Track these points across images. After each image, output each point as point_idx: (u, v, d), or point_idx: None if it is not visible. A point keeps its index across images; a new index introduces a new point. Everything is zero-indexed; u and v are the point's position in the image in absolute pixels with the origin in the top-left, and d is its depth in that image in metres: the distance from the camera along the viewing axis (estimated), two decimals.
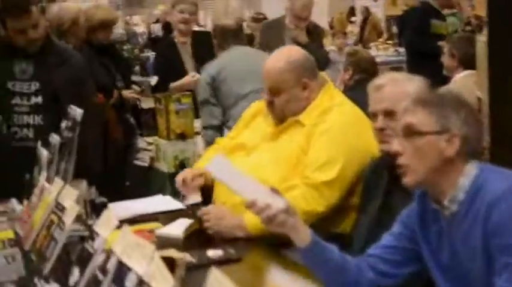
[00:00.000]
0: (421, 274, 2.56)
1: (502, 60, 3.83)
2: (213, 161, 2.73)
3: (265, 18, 10.95)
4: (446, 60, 5.64)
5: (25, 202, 3.52)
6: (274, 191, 2.52)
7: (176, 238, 3.18)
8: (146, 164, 5.22)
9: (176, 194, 4.46)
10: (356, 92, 3.74)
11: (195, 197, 3.45)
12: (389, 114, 2.94)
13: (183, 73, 6.21)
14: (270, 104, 3.51)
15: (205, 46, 6.04)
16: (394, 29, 15.30)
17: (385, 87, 2.97)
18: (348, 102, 3.55)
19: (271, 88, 3.49)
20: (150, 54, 18.23)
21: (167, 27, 19.76)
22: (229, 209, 3.33)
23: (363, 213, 3.13)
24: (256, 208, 2.47)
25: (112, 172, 5.01)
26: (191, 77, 6.04)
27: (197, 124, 5.12)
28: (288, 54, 3.53)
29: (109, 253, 2.20)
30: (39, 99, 4.32)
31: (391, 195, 3.00)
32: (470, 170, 2.37)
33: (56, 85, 4.33)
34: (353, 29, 19.07)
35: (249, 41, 7.27)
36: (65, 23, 5.45)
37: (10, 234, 3.15)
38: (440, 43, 7.84)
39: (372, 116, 3.03)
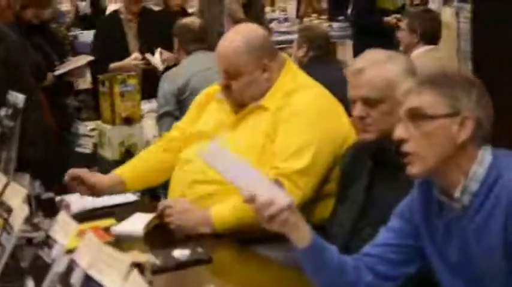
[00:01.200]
0: (424, 274, 2.29)
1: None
2: (208, 148, 2.41)
3: None
4: (404, 36, 5.40)
5: None
6: (278, 184, 2.23)
7: (136, 236, 2.88)
8: (89, 151, 4.88)
9: None
10: (311, 70, 3.47)
11: None
12: (369, 101, 2.69)
13: (124, 54, 5.93)
14: (227, 89, 3.20)
15: (153, 27, 5.77)
16: (324, 5, 15.13)
17: (364, 71, 2.70)
18: (313, 83, 3.29)
19: (228, 71, 3.17)
20: (79, 33, 17.90)
21: (95, 3, 19.40)
22: (192, 203, 3.04)
23: (343, 203, 2.87)
24: (257, 204, 2.18)
25: (50, 160, 4.65)
26: (133, 59, 5.73)
27: (144, 106, 4.80)
28: (245, 33, 3.22)
29: (71, 264, 1.89)
30: None
31: (374, 184, 2.76)
32: (484, 157, 2.12)
33: None
34: (283, 4, 18.88)
35: None
36: None
37: None
38: (386, 18, 7.71)
39: (352, 103, 2.75)
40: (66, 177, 3.23)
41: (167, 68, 5.77)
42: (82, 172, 3.28)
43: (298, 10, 15.85)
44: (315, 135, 3.03)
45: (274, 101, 3.12)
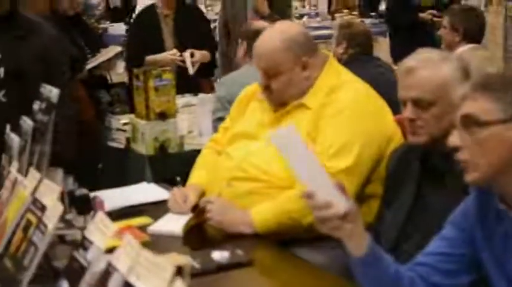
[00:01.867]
0: (479, 284, 2.17)
1: None
2: (280, 132, 2.30)
3: None
4: (446, 34, 5.27)
5: None
6: (340, 188, 2.13)
7: (174, 235, 2.80)
8: (122, 146, 4.78)
9: (157, 180, 4.12)
10: (351, 68, 3.37)
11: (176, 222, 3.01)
12: (420, 103, 2.58)
13: (160, 49, 5.88)
14: (267, 89, 3.11)
15: (189, 24, 5.68)
16: (356, 0, 15.01)
17: (416, 71, 2.59)
18: (356, 79, 3.19)
19: (267, 71, 3.08)
20: (109, 26, 17.92)
21: None
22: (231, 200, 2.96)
23: (390, 207, 2.76)
24: (313, 202, 2.12)
25: (84, 155, 4.58)
26: (171, 54, 5.65)
27: (179, 101, 4.70)
28: (282, 31, 3.12)
29: (109, 268, 1.80)
30: (1, 72, 3.84)
31: (422, 189, 2.66)
32: None
33: (21, 58, 3.86)
34: None
35: None
36: None
37: None
38: (421, 15, 7.59)
39: (402, 103, 2.64)
40: (177, 197, 3.14)
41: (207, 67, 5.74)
42: (186, 192, 3.18)
43: (329, 5, 15.74)
44: (359, 134, 2.93)
45: (316, 100, 3.03)
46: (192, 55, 5.78)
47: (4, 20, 3.88)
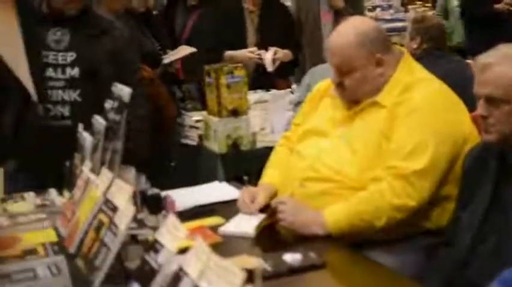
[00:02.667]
0: None
1: None
2: None
3: None
4: None
5: (66, 193, 3.15)
6: None
7: (246, 236, 2.77)
8: (195, 143, 4.78)
9: (229, 178, 4.10)
10: (425, 63, 3.29)
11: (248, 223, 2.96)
12: (492, 100, 2.52)
13: (242, 45, 5.85)
14: (340, 86, 3.06)
15: (274, 21, 5.64)
16: None
17: (492, 67, 2.51)
18: (431, 77, 3.11)
19: (340, 67, 3.03)
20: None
21: None
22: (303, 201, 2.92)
23: (465, 208, 2.69)
24: None
25: (158, 152, 4.60)
26: (249, 52, 5.63)
27: (250, 97, 4.67)
28: (355, 26, 3.05)
29: (179, 272, 1.79)
30: (76, 71, 3.87)
31: (500, 188, 2.58)
32: None
33: (95, 57, 3.88)
34: None
35: None
36: None
37: (52, 236, 2.74)
38: (497, 6, 7.41)
39: (477, 99, 2.57)
40: (245, 197, 3.12)
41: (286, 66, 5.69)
42: (254, 191, 3.16)
43: None
44: (433, 134, 2.85)
45: (391, 98, 2.96)
46: (275, 53, 5.73)
47: (78, 19, 3.91)
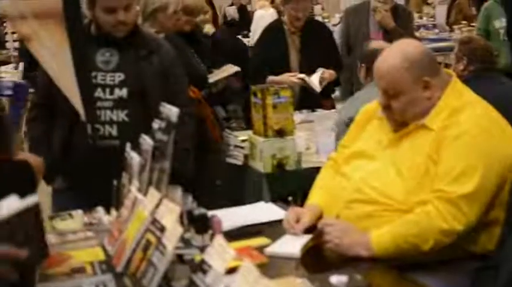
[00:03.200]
0: None
1: None
2: None
3: None
4: None
5: (113, 212, 3.18)
6: None
7: (292, 257, 2.76)
8: (240, 163, 4.79)
9: (274, 198, 4.11)
10: (473, 86, 3.27)
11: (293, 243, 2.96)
12: None
13: (285, 66, 5.85)
14: (387, 108, 3.06)
15: (316, 41, 5.66)
16: (473, 11, 14.68)
17: None
18: (479, 100, 3.10)
19: (387, 90, 3.03)
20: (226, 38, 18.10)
21: (243, 9, 19.67)
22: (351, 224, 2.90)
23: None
24: None
25: (202, 171, 4.62)
26: (291, 75, 5.64)
27: (296, 117, 4.68)
28: (403, 49, 3.06)
29: None
30: (124, 92, 3.91)
31: None
32: None
33: (144, 77, 3.92)
34: (429, 11, 18.50)
35: None
36: (148, 8, 5.03)
37: (100, 254, 2.76)
38: None
39: None
40: (290, 217, 3.12)
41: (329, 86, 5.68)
42: (300, 212, 3.16)
43: (448, 16, 15.44)
44: (481, 158, 2.84)
45: (438, 121, 2.95)
46: (322, 73, 5.73)
47: (126, 40, 3.96)
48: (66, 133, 3.91)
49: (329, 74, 5.76)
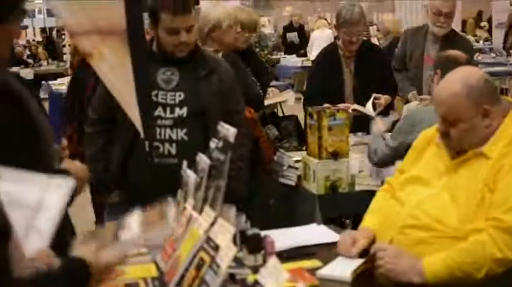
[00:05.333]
0: None
1: None
2: None
3: None
4: None
5: None
6: None
7: (343, 281, 2.76)
8: (293, 183, 4.80)
9: (326, 220, 4.11)
10: None
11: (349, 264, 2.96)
12: None
13: (339, 90, 5.83)
14: (445, 135, 3.05)
15: (370, 65, 5.67)
16: None
17: None
18: None
19: (446, 117, 3.02)
20: (281, 57, 18.27)
21: (302, 30, 19.80)
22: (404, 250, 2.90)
23: None
24: None
25: (256, 191, 4.64)
26: (344, 106, 5.65)
27: (350, 139, 4.67)
28: (465, 76, 3.04)
29: None
30: (184, 111, 3.96)
31: None
32: None
33: (203, 97, 3.97)
34: (481, 34, 18.39)
35: None
36: (204, 30, 5.09)
37: (153, 271, 2.79)
38: None
39: None
40: (346, 239, 3.12)
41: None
42: (356, 235, 3.16)
43: (505, 41, 15.29)
44: None
45: (497, 149, 2.93)
46: (377, 98, 5.70)
47: (188, 60, 4.01)
48: (125, 149, 3.97)
49: (384, 99, 5.72)
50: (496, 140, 2.97)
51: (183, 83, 3.98)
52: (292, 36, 18.41)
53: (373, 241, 3.09)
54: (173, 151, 3.92)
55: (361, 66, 5.89)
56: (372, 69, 5.84)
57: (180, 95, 3.96)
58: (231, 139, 2.77)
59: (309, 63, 13.31)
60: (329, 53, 6.11)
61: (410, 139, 3.67)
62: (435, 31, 6.28)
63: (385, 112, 5.78)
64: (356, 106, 5.57)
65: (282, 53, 19.14)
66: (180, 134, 3.94)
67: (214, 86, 4.01)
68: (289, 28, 19.82)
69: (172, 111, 3.95)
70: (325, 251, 3.14)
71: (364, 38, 6.52)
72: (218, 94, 4.00)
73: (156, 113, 3.95)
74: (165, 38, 3.96)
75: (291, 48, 18.64)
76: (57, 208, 2.34)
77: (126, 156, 3.97)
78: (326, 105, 5.23)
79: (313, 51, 14.78)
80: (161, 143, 3.94)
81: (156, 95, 3.96)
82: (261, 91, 5.54)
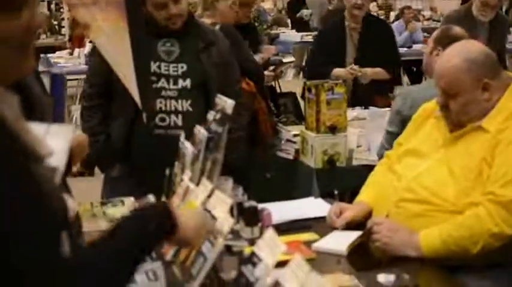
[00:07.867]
0: None
1: None
2: None
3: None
4: None
5: (163, 200, 3.19)
6: None
7: (339, 254, 2.77)
8: (291, 157, 4.80)
9: (323, 193, 4.11)
10: None
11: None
12: None
13: (340, 61, 5.84)
14: (444, 108, 3.04)
15: (376, 39, 5.66)
16: None
17: None
18: None
19: (446, 89, 3.02)
20: (280, 32, 18.15)
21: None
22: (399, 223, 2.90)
23: None
24: None
25: (253, 164, 4.63)
26: (348, 69, 5.65)
27: (348, 114, 4.67)
28: (465, 50, 3.04)
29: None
30: (187, 82, 3.96)
31: None
32: None
33: (205, 70, 3.96)
34: None
35: None
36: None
37: None
38: None
39: None
40: (332, 212, 3.15)
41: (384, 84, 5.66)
42: (344, 207, 3.19)
43: None
44: None
45: (495, 123, 2.93)
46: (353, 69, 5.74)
47: (184, 31, 3.99)
48: (128, 122, 3.96)
49: (371, 72, 5.76)
50: (495, 114, 2.96)
51: (184, 55, 3.98)
52: (308, 13, 18.13)
53: (369, 215, 3.10)
54: (179, 122, 3.92)
55: (365, 40, 5.91)
56: (376, 43, 5.84)
57: (182, 67, 3.96)
58: (229, 111, 2.76)
59: (309, 39, 13.23)
60: (335, 23, 6.13)
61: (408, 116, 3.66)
62: (481, 19, 6.30)
63: (386, 88, 5.79)
64: (354, 67, 5.62)
65: (283, 29, 18.95)
66: (185, 105, 3.94)
67: (213, 58, 4.01)
68: (295, 4, 19.42)
69: (175, 83, 3.95)
70: (322, 225, 3.15)
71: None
72: (217, 66, 3.99)
73: (160, 84, 3.94)
74: (155, 13, 3.93)
75: (300, 25, 18.23)
76: (61, 151, 2.33)
77: (129, 129, 3.96)
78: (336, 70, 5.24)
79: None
80: (167, 114, 3.94)
81: (159, 67, 3.95)
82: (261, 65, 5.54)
